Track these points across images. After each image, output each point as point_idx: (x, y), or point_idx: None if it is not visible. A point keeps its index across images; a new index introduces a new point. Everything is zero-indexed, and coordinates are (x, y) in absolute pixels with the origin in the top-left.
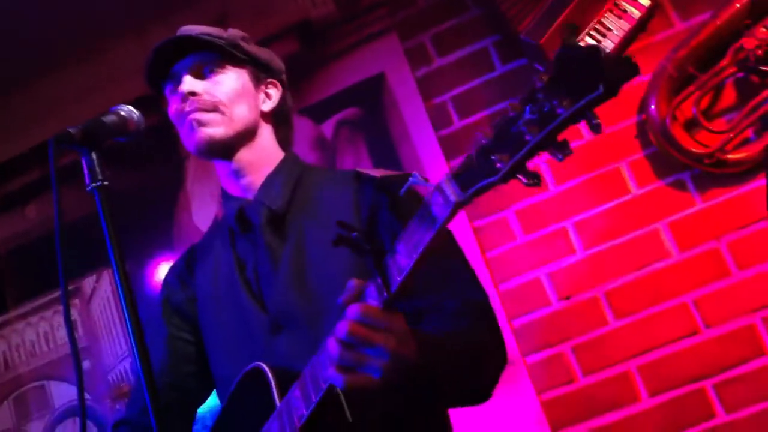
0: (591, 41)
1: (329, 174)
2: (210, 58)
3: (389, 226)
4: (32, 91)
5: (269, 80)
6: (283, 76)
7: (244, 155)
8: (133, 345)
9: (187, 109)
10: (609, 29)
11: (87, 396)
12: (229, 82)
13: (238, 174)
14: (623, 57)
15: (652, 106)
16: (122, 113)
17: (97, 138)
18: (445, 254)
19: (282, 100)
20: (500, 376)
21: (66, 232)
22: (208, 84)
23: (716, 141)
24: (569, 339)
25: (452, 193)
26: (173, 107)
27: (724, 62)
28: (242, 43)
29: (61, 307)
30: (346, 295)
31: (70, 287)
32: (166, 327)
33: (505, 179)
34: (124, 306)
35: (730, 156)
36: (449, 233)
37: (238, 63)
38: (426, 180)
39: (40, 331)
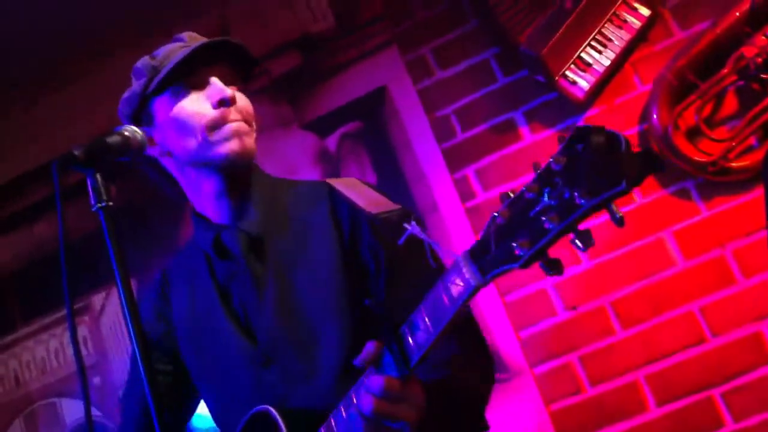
0: (593, 52)
1: (300, 188)
2: (237, 72)
3: (372, 248)
4: (35, 107)
5: None
6: None
7: (240, 176)
8: (140, 361)
9: (233, 115)
10: (609, 39)
11: (97, 412)
12: (249, 102)
13: (225, 194)
14: (645, 151)
15: (654, 116)
16: (126, 133)
17: (101, 159)
18: (421, 271)
19: None
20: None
21: (74, 248)
22: (241, 97)
23: (719, 149)
24: (576, 349)
25: (472, 277)
26: (200, 109)
27: (725, 71)
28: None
29: None
30: (364, 358)
31: (79, 304)
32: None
33: (525, 266)
34: (130, 326)
35: (733, 164)
36: (421, 246)
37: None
38: (421, 224)
39: (51, 348)
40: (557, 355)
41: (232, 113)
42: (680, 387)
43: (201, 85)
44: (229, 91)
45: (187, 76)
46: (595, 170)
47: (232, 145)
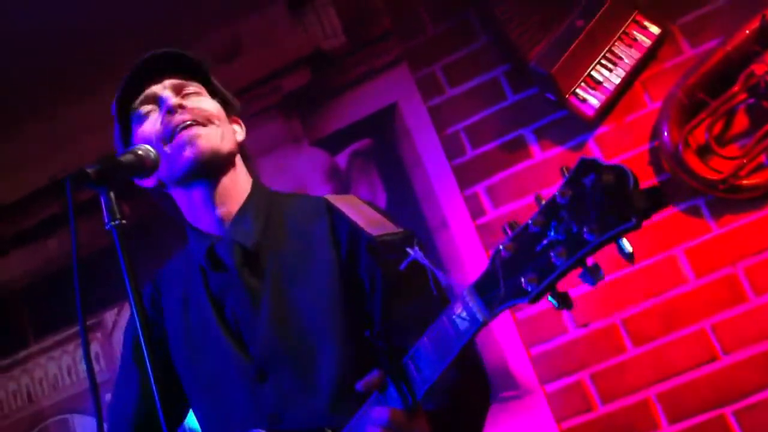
0: (603, 70)
1: (299, 203)
2: (189, 82)
3: (369, 268)
4: (50, 121)
5: (233, 116)
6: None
7: (226, 180)
8: (152, 379)
9: (178, 119)
10: (620, 57)
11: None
12: (212, 104)
13: (215, 202)
14: (651, 188)
15: (665, 133)
16: (139, 152)
17: (114, 177)
18: (420, 294)
19: (244, 137)
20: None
21: (87, 265)
22: (195, 100)
23: (729, 167)
24: (588, 367)
25: (478, 312)
26: (154, 127)
27: (735, 89)
28: (212, 77)
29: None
30: (368, 384)
31: (92, 321)
32: (137, 371)
33: (534, 301)
34: (143, 342)
35: (744, 181)
36: (422, 270)
37: (211, 94)
38: (423, 248)
39: (63, 365)
40: (568, 373)
41: (177, 118)
42: (692, 405)
43: (154, 100)
44: (173, 100)
45: (140, 100)
46: (604, 205)
47: (187, 153)
